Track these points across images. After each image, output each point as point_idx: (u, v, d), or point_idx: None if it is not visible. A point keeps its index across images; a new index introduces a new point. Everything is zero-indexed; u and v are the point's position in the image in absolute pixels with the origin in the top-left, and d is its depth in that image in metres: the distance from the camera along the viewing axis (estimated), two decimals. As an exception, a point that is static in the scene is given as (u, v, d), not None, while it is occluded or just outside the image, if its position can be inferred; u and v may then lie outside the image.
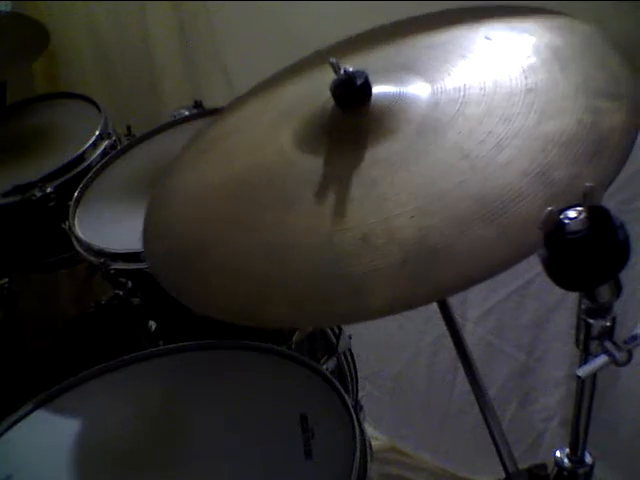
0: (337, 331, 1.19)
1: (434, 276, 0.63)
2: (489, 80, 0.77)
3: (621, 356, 0.60)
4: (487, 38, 0.83)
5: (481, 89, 0.76)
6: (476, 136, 0.71)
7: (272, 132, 0.88)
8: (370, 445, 0.88)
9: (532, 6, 0.87)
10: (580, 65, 0.75)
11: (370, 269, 0.65)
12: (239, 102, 1.02)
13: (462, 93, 0.77)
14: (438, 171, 0.70)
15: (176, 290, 0.78)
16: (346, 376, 1.20)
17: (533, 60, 0.78)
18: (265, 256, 0.73)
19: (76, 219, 1.24)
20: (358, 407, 1.20)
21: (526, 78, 0.76)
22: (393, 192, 0.70)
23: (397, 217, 0.68)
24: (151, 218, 0.90)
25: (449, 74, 0.80)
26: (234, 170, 0.87)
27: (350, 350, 1.21)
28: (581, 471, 0.73)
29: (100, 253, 1.13)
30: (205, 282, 0.76)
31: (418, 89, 0.80)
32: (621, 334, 0.61)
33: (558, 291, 0.58)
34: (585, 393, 0.68)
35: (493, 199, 0.65)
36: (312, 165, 0.78)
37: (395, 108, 0.78)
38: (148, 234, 0.89)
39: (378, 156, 0.75)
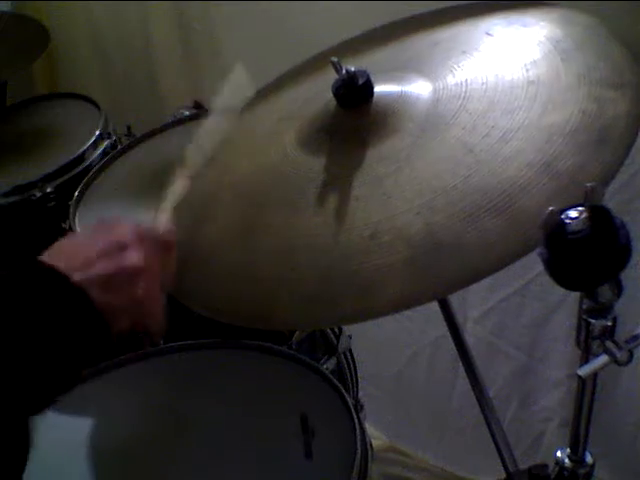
0: (337, 331, 1.19)
1: (441, 271, 0.64)
2: (491, 75, 0.77)
3: (622, 356, 0.59)
4: (488, 34, 0.83)
5: (483, 84, 0.76)
6: (480, 130, 0.71)
7: (276, 134, 0.88)
8: (370, 445, 0.88)
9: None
10: (581, 56, 0.75)
11: (378, 267, 0.66)
12: (243, 105, 1.02)
13: (464, 88, 0.77)
14: (443, 167, 0.70)
15: (185, 296, 0.78)
16: (346, 376, 1.20)
17: (534, 53, 0.78)
18: (272, 258, 0.73)
19: (76, 219, 1.24)
20: (358, 407, 1.20)
21: (527, 71, 0.76)
22: (398, 189, 0.70)
23: (403, 214, 0.68)
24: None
25: (450, 71, 0.80)
26: (240, 173, 0.87)
27: (350, 350, 1.21)
28: (582, 471, 0.73)
29: (100, 253, 1.13)
30: (214, 287, 0.77)
31: (420, 87, 0.80)
32: (622, 334, 0.61)
33: (559, 291, 0.58)
34: (586, 393, 0.68)
35: (499, 192, 0.65)
36: (316, 166, 0.78)
37: (397, 106, 0.78)
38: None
39: (382, 154, 0.75)
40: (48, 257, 0.61)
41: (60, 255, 0.61)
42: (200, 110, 1.47)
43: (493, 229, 0.63)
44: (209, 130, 0.87)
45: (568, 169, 0.65)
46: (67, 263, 0.60)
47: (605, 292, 0.59)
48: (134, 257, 0.64)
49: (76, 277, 0.59)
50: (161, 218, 0.77)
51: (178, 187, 0.82)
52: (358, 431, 0.83)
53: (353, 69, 0.78)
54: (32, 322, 0.57)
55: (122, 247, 0.64)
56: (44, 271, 0.59)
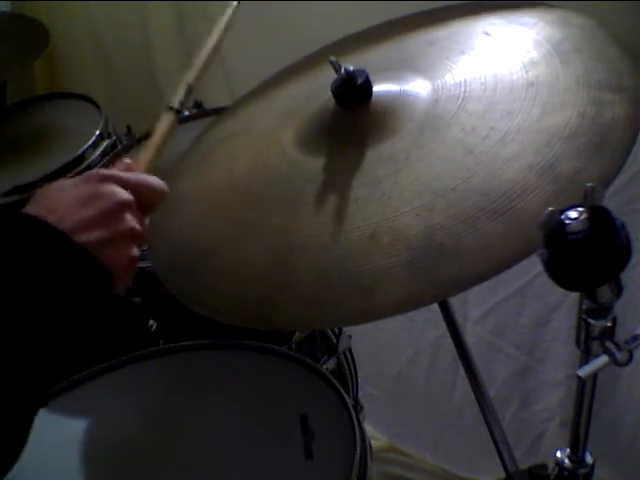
0: (337, 331, 1.19)
1: (442, 274, 0.64)
2: (489, 75, 0.77)
3: (622, 356, 0.59)
4: (486, 33, 0.83)
5: (482, 84, 0.76)
6: (479, 132, 0.71)
7: (274, 133, 0.88)
8: (370, 445, 0.88)
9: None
10: (580, 58, 0.75)
11: (377, 269, 0.66)
12: (241, 103, 1.02)
13: (463, 89, 0.77)
14: (443, 168, 0.70)
15: (184, 296, 0.78)
16: (346, 376, 1.20)
17: (533, 54, 0.78)
18: (273, 259, 0.73)
19: (76, 219, 1.24)
20: (358, 407, 1.20)
21: (527, 72, 0.76)
22: (398, 190, 0.70)
23: (403, 215, 0.68)
24: (156, 224, 0.90)
25: (449, 70, 0.80)
26: (238, 173, 0.87)
27: (350, 350, 1.21)
28: (581, 471, 0.73)
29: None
30: (214, 287, 0.76)
31: (419, 86, 0.80)
32: (622, 334, 0.61)
33: (558, 291, 0.58)
34: (586, 393, 0.68)
35: (499, 194, 0.65)
36: (315, 166, 0.78)
37: (396, 106, 0.78)
38: (153, 240, 0.88)
39: (381, 155, 0.75)
40: (40, 209, 0.60)
41: (54, 210, 0.60)
42: (200, 110, 1.47)
43: (493, 231, 0.63)
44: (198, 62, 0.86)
45: (568, 172, 0.65)
46: (65, 221, 0.59)
47: (605, 292, 0.59)
48: (131, 221, 0.65)
49: (78, 239, 0.59)
50: (143, 158, 0.75)
51: (163, 124, 0.81)
52: (358, 431, 0.83)
53: (352, 68, 0.78)
54: (35, 280, 0.57)
55: (118, 210, 0.64)
56: (43, 229, 0.59)
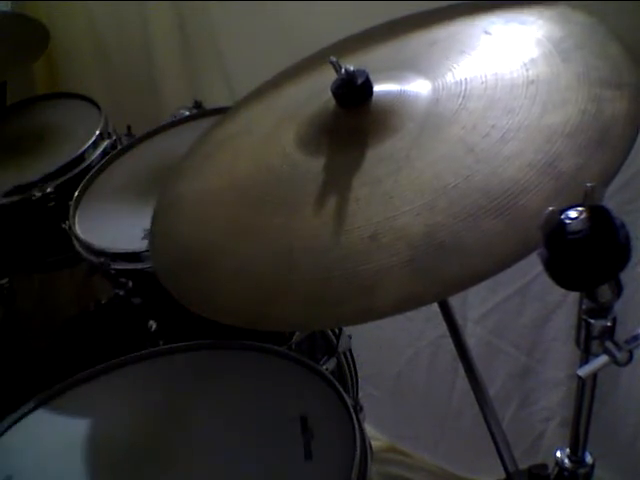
0: (337, 331, 1.19)
1: (443, 272, 0.63)
2: (490, 74, 0.77)
3: (622, 356, 0.59)
4: (487, 33, 0.83)
5: (482, 83, 0.76)
6: (480, 130, 0.71)
7: (274, 134, 0.88)
8: (370, 445, 0.88)
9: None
10: (581, 55, 0.75)
11: (378, 268, 0.66)
12: (241, 105, 1.02)
13: (463, 88, 0.77)
14: (443, 167, 0.70)
15: (185, 297, 0.78)
16: (346, 376, 1.20)
17: (533, 52, 0.78)
18: (273, 259, 0.73)
19: (76, 219, 1.24)
20: (358, 407, 1.20)
21: (527, 70, 0.76)
22: (398, 190, 0.70)
23: (403, 215, 0.68)
24: (158, 225, 0.90)
25: (450, 70, 0.80)
26: (239, 174, 0.87)
27: (350, 350, 1.21)
28: (581, 471, 0.73)
29: (100, 253, 1.13)
30: (215, 288, 0.76)
31: (419, 86, 0.80)
32: (622, 334, 0.61)
33: (558, 291, 0.58)
34: (585, 393, 0.68)
35: (500, 192, 0.65)
36: (316, 166, 0.78)
37: (397, 106, 0.78)
38: (155, 241, 0.89)
39: (382, 154, 0.75)
40: None
41: None
42: (200, 110, 1.47)
43: (494, 229, 0.63)
44: None
45: (569, 169, 0.65)
46: None
47: (605, 292, 0.59)
48: None
49: None
50: None
51: None
52: (357, 432, 0.83)
53: (352, 68, 0.78)
54: None
55: None
56: None
